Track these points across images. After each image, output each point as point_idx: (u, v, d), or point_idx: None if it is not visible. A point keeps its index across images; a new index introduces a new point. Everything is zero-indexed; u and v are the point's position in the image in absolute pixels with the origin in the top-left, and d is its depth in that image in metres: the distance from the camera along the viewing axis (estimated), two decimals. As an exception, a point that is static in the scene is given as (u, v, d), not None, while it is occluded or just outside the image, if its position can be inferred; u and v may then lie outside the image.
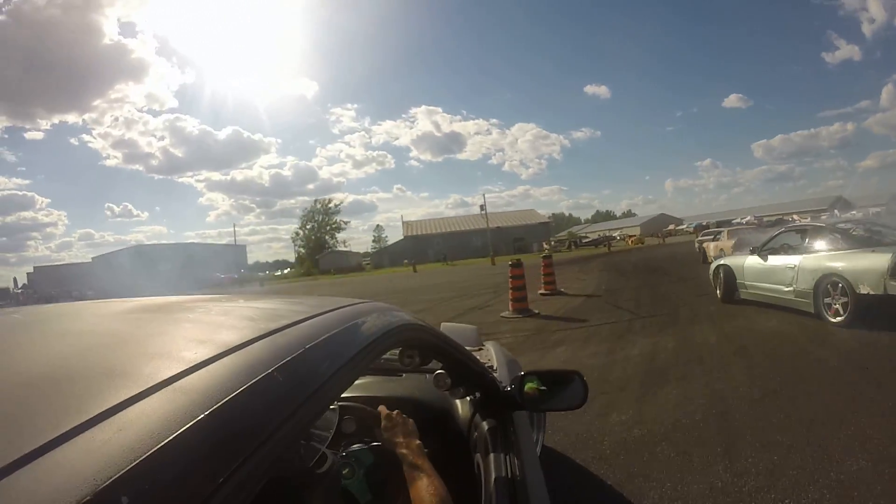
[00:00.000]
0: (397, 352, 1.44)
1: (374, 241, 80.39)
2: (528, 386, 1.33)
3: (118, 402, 0.40)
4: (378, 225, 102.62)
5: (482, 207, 52.32)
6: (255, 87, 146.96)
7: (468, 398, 1.33)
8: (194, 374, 0.47)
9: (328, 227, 74.42)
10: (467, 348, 1.29)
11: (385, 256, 66.40)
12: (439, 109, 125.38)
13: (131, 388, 0.42)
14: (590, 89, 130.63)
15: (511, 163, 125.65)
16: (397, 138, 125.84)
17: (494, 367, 1.80)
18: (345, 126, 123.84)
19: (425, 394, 1.40)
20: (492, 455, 1.12)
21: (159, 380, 0.44)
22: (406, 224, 71.14)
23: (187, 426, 0.38)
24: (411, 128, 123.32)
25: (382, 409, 1.14)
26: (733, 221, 40.28)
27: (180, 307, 0.95)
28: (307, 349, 0.59)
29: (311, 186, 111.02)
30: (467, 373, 1.24)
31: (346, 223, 76.81)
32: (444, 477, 1.23)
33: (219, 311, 0.89)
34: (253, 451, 0.42)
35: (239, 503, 0.38)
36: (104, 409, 0.38)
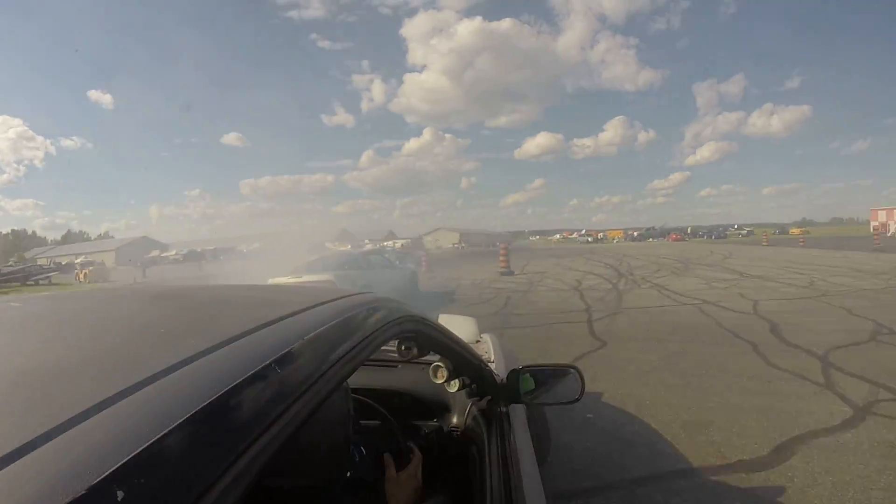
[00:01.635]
0: (395, 342, 1.47)
1: None
2: (524, 379, 1.34)
3: (113, 393, 0.39)
4: None
5: None
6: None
7: (464, 390, 1.33)
8: (192, 364, 0.47)
9: None
10: (465, 340, 1.29)
11: None
12: None
13: (127, 379, 0.42)
14: (94, 94, 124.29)
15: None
16: None
17: (491, 360, 1.80)
18: None
19: (422, 385, 1.41)
20: (487, 447, 1.12)
21: (156, 370, 0.44)
22: None
23: (185, 418, 0.38)
24: None
25: (417, 457, 1.08)
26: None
27: (177, 296, 0.94)
28: (306, 340, 0.59)
29: None
30: (464, 365, 1.23)
31: None
32: (440, 469, 1.24)
33: (217, 301, 0.88)
34: (252, 442, 0.41)
35: (238, 494, 0.38)
36: (99, 401, 0.38)
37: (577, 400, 1.31)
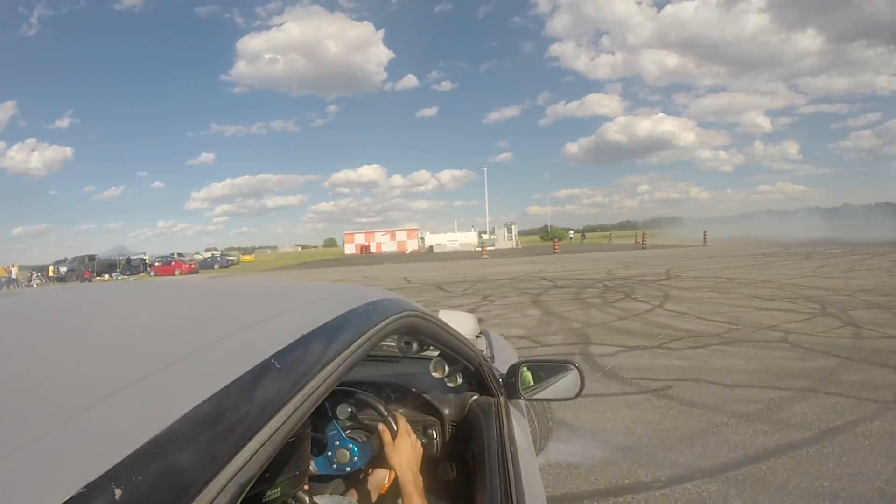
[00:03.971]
0: (395, 338, 1.45)
1: None
2: (524, 375, 1.34)
3: (111, 391, 0.39)
4: None
5: None
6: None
7: (464, 385, 1.34)
8: (191, 360, 0.46)
9: None
10: (465, 336, 1.29)
11: None
12: None
13: (125, 376, 0.41)
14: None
15: None
16: None
17: (491, 356, 1.80)
18: None
19: (422, 380, 1.41)
20: (486, 442, 1.12)
21: (154, 367, 0.43)
22: None
23: (183, 415, 0.37)
24: None
25: (402, 419, 1.09)
26: None
27: (177, 291, 0.93)
28: (305, 335, 0.58)
29: None
30: (464, 360, 1.24)
31: None
32: (439, 464, 1.26)
33: (216, 297, 0.87)
34: (251, 438, 0.41)
35: (237, 492, 0.38)
36: (97, 398, 0.37)
37: (577, 396, 1.31)
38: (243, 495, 0.39)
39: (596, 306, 7.81)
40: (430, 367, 1.32)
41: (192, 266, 33.43)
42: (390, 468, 1.01)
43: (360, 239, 51.03)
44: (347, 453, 1.06)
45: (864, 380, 3.70)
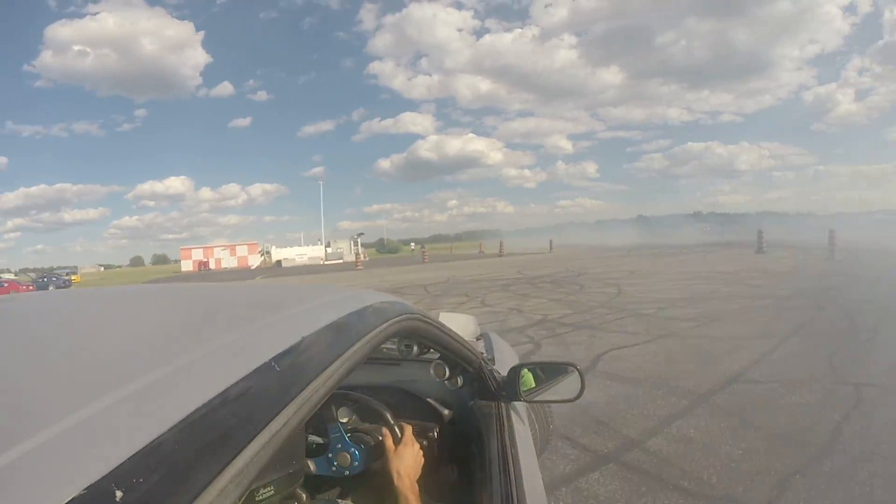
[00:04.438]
0: (396, 340, 1.45)
1: None
2: (525, 377, 1.34)
3: (112, 393, 0.39)
4: None
5: None
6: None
7: (465, 388, 1.33)
8: (191, 363, 0.46)
9: None
10: (465, 338, 1.29)
11: None
12: None
13: (127, 378, 0.41)
14: None
15: None
16: None
17: (491, 358, 1.79)
18: None
19: (422, 383, 1.41)
20: (487, 445, 1.12)
21: (155, 369, 0.43)
22: None
23: (184, 417, 0.37)
24: None
25: (408, 428, 1.10)
26: None
27: (177, 295, 0.92)
28: (305, 338, 0.58)
29: None
30: (464, 362, 1.24)
31: None
32: (440, 466, 1.24)
33: (216, 300, 0.87)
34: (251, 441, 0.41)
35: (237, 494, 0.38)
36: (99, 400, 0.37)
37: (577, 398, 1.31)
38: (243, 497, 0.39)
39: (575, 293, 9.74)
40: (431, 370, 1.32)
41: (30, 287, 28.01)
42: (390, 474, 1.01)
43: (197, 254, 48.08)
44: (348, 456, 1.05)
45: (733, 292, 8.49)
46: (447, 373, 1.29)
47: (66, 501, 0.28)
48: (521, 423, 1.37)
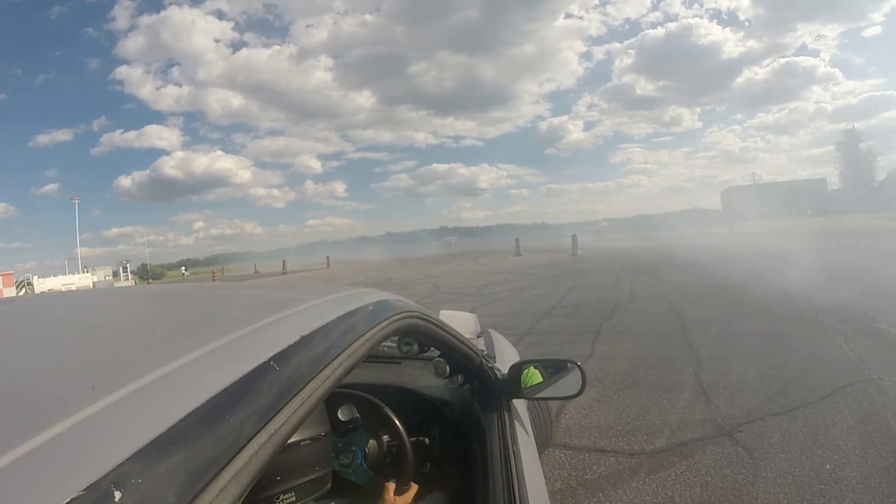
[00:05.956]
0: (396, 339, 1.44)
1: None
2: (526, 374, 1.33)
3: (111, 393, 0.39)
4: None
5: None
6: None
7: (466, 386, 1.33)
8: (190, 362, 0.46)
9: None
10: (466, 336, 1.29)
11: None
12: None
13: (126, 378, 0.41)
14: None
15: None
16: None
17: (493, 355, 1.80)
18: None
19: (423, 381, 1.43)
20: (489, 443, 1.12)
21: (154, 370, 0.43)
22: None
23: (182, 417, 0.37)
24: None
25: (414, 486, 1.08)
26: None
27: (176, 295, 0.93)
28: (304, 337, 0.58)
29: None
30: (465, 360, 1.23)
31: None
32: (441, 464, 1.27)
33: (215, 299, 0.87)
34: (251, 440, 0.41)
35: (237, 494, 0.38)
36: (97, 400, 0.37)
37: (579, 394, 1.31)
38: (243, 497, 0.39)
39: (399, 291, 11.53)
40: (432, 368, 1.31)
41: None
42: (388, 480, 1.04)
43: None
44: (351, 456, 1.08)
45: (521, 278, 12.05)
46: (448, 371, 1.27)
47: (66, 501, 0.28)
48: (522, 421, 1.38)
